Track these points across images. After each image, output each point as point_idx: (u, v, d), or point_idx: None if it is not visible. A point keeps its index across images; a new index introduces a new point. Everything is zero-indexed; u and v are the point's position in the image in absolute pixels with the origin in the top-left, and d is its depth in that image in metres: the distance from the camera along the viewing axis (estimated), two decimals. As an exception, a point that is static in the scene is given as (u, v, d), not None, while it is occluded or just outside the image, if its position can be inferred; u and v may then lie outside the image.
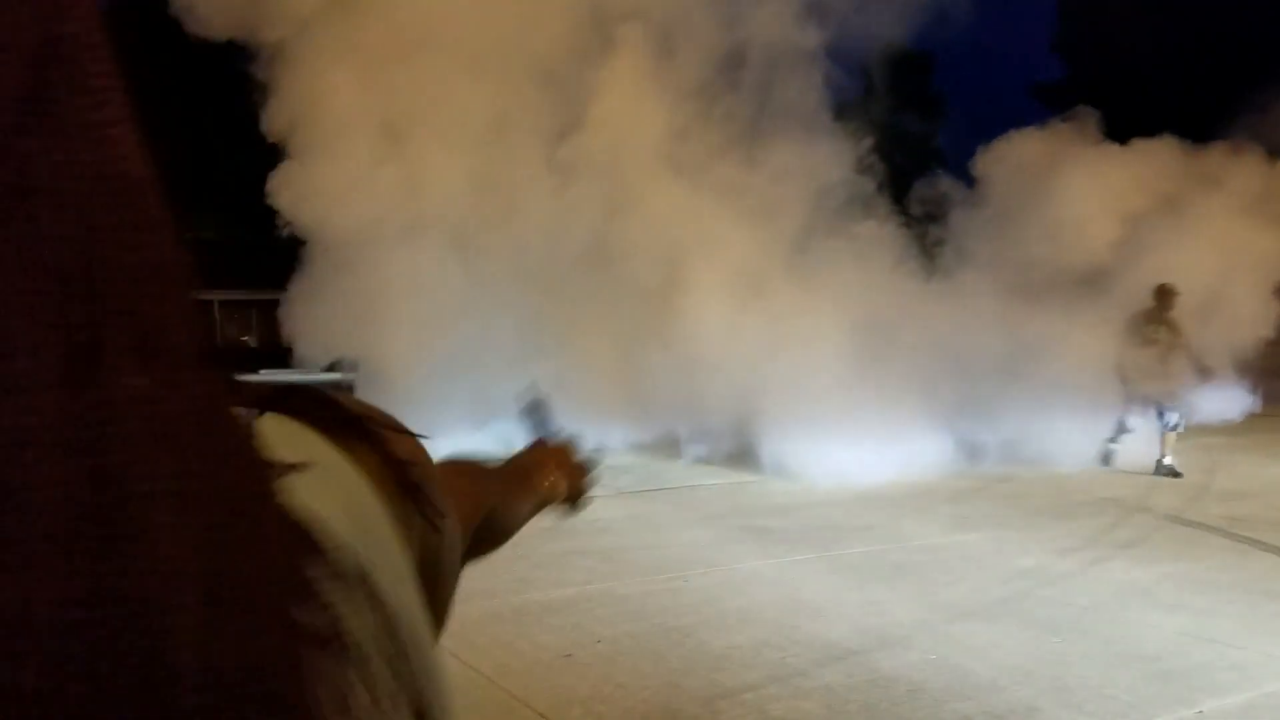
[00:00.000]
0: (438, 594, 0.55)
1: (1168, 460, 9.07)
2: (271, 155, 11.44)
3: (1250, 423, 11.97)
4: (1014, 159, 13.11)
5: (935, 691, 4.07)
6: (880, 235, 10.81)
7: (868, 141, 11.32)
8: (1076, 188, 12.14)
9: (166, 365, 0.28)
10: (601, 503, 8.58)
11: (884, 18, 11.91)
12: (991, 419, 10.25)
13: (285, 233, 11.59)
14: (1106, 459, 9.46)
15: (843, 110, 11.34)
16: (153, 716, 0.26)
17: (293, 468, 0.35)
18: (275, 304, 13.31)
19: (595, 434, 11.29)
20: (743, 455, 9.94)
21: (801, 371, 9.48)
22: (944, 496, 8.61)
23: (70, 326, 0.26)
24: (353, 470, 0.44)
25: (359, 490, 0.43)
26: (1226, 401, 11.53)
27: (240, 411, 0.33)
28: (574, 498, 1.12)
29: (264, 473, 0.33)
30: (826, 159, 10.87)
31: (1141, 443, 9.50)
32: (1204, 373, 9.58)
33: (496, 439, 11.85)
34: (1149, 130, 13.07)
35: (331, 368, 12.87)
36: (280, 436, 0.39)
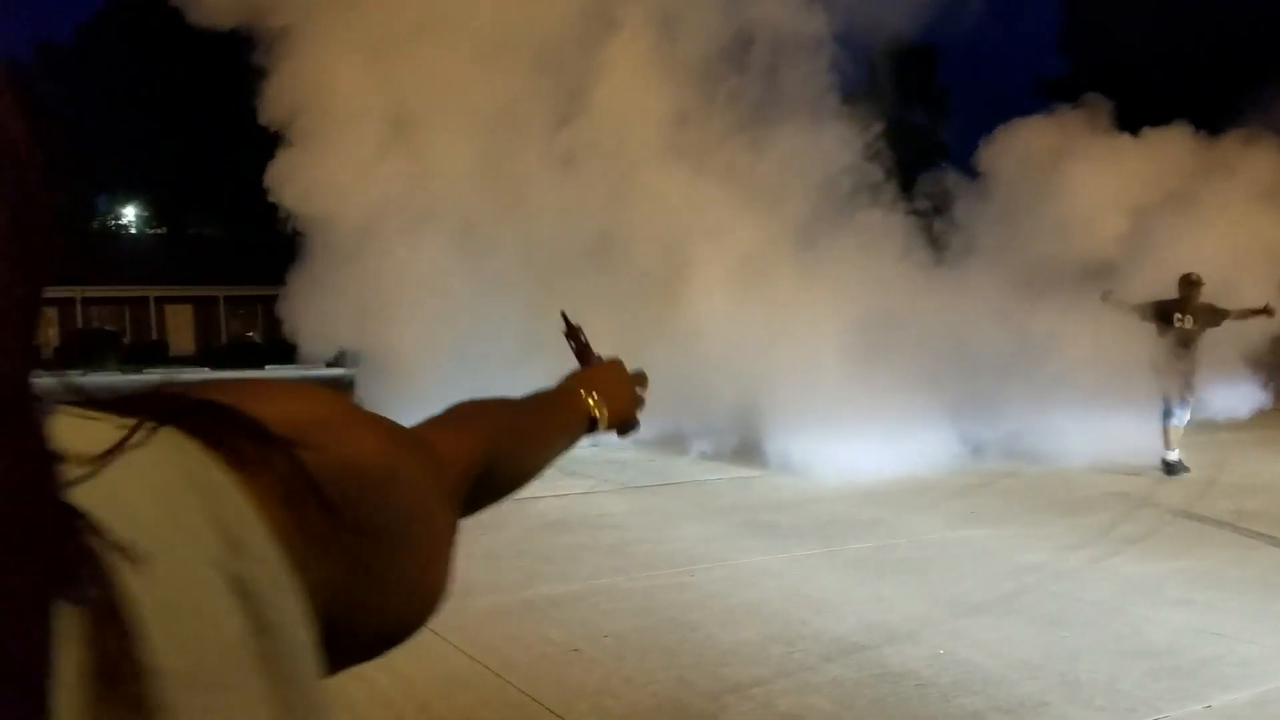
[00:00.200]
0: (378, 590, 0.54)
1: (1174, 456, 8.96)
2: (276, 151, 11.42)
3: (1259, 418, 11.91)
4: (1021, 147, 12.93)
5: (943, 686, 4.07)
6: (885, 228, 10.72)
7: (874, 129, 11.19)
8: (1085, 177, 11.98)
9: None
10: (607, 497, 8.63)
11: (889, 11, 11.87)
12: (997, 414, 10.24)
13: (289, 228, 11.54)
14: (1172, 468, 8.98)
15: (848, 101, 11.24)
16: None
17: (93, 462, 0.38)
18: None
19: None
20: (748, 450, 9.94)
21: (807, 366, 9.46)
22: (950, 492, 8.60)
23: None
24: (232, 488, 0.43)
25: (234, 507, 0.42)
26: (1238, 397, 11.44)
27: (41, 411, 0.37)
28: (623, 420, 1.09)
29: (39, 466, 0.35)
30: (832, 147, 10.78)
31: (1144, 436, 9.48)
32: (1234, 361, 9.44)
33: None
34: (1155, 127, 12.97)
35: (335, 362, 12.80)
36: (163, 450, 0.41)
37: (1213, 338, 9.22)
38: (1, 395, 0.35)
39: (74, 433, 0.40)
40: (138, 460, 0.40)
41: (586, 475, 9.76)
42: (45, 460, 0.36)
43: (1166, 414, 9.02)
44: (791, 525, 7.31)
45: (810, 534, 7.01)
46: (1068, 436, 9.53)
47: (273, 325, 14.51)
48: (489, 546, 6.80)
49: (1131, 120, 13.10)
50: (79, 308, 40.32)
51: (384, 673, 4.32)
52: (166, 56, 37.39)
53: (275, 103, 11.09)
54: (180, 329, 41.71)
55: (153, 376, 32.09)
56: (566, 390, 1.04)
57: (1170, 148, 12.65)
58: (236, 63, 11.93)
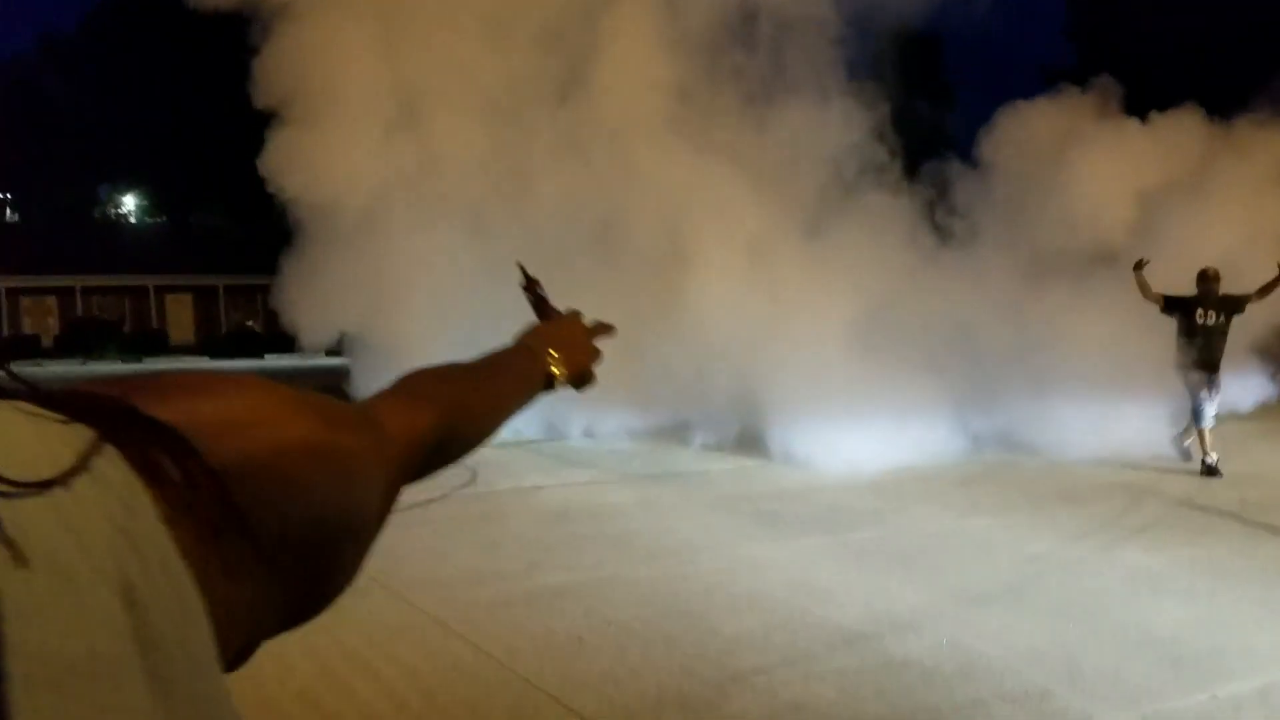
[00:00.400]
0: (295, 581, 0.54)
1: (1214, 459, 8.64)
2: (271, 132, 11.23)
3: (1264, 410, 11.84)
4: (1027, 130, 12.67)
5: (948, 675, 4.07)
6: (889, 215, 10.59)
7: (881, 111, 11.01)
8: (1093, 161, 11.79)
9: None
10: (610, 488, 8.62)
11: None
12: (1000, 404, 10.21)
13: (284, 213, 11.38)
14: (1211, 471, 8.63)
15: (855, 83, 11.06)
16: None
17: None
18: (282, 290, 13.19)
19: (604, 420, 11.30)
20: (751, 441, 9.93)
21: (810, 356, 9.43)
22: (952, 482, 8.60)
23: None
24: (144, 500, 0.43)
25: (143, 518, 0.43)
26: (1244, 389, 11.34)
27: None
28: (580, 374, 1.07)
29: None
30: (837, 129, 10.61)
31: (1140, 428, 9.46)
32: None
33: (525, 425, 11.87)
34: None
35: (334, 351, 12.69)
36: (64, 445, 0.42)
37: (1235, 327, 9.06)
38: None
39: (13, 430, 0.41)
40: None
41: (589, 465, 9.76)
42: None
43: (1198, 416, 8.81)
44: (794, 515, 7.30)
45: (813, 524, 7.00)
46: (1070, 427, 9.50)
47: (273, 315, 14.43)
48: (492, 537, 6.80)
49: (1139, 110, 12.95)
50: (79, 297, 40.29)
51: (389, 663, 4.33)
52: (168, 46, 37.28)
53: (270, 83, 10.90)
54: (180, 318, 41.69)
55: (154, 366, 32.08)
56: (524, 348, 1.03)
57: (1179, 132, 12.44)
58: (238, 52, 11.84)
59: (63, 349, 36.75)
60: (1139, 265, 9.11)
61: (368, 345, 11.39)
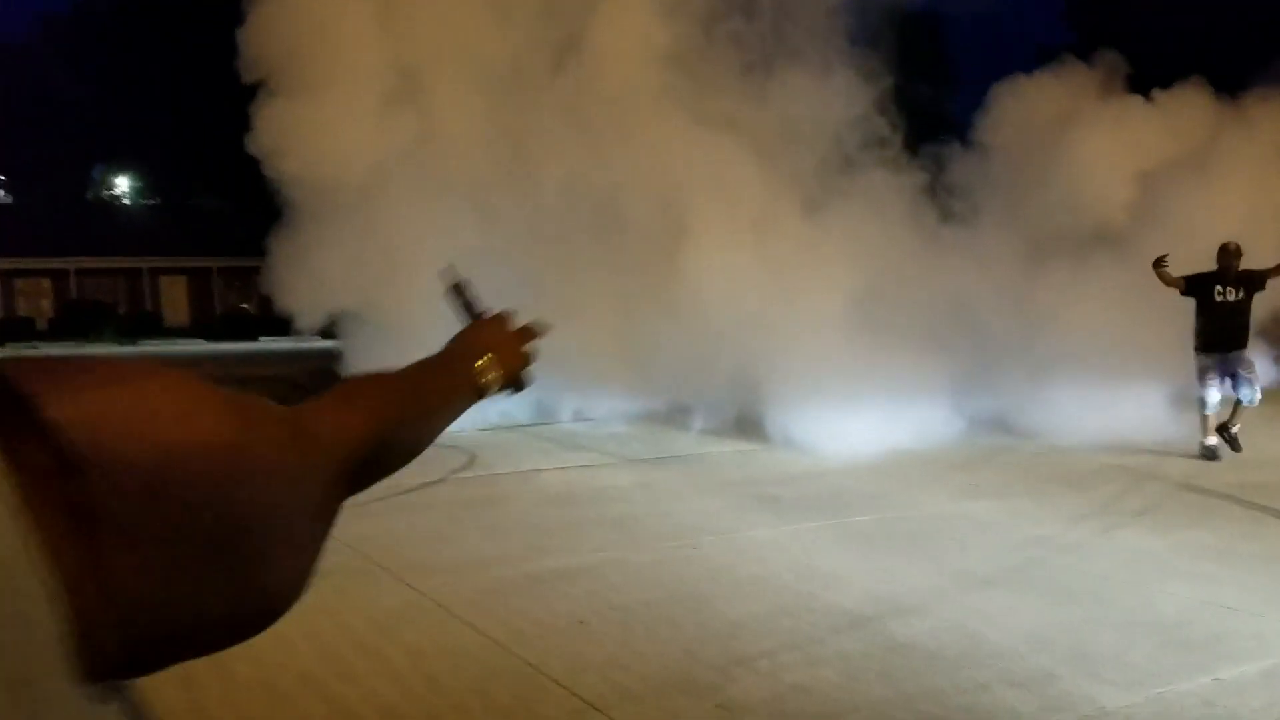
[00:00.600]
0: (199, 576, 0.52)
1: (1213, 441, 8.57)
2: (259, 103, 10.92)
3: (1265, 393, 11.76)
4: (1028, 105, 12.41)
5: (952, 659, 4.06)
6: (888, 195, 10.43)
7: (883, 84, 10.74)
8: (1094, 137, 11.62)
9: None
10: (610, 471, 8.61)
11: None
12: (999, 388, 10.20)
13: (281, 196, 11.12)
14: (1210, 453, 8.58)
15: (855, 56, 10.83)
16: None
17: None
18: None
19: (604, 403, 11.27)
20: (751, 424, 9.90)
21: (809, 339, 9.40)
22: (952, 465, 8.59)
23: None
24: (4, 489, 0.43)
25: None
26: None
27: None
28: (514, 378, 1.04)
29: None
30: (838, 102, 10.41)
31: (1140, 411, 9.44)
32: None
33: (516, 408, 11.79)
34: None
35: (328, 332, 12.51)
36: None
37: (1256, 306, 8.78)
38: None
39: None
40: None
41: (589, 449, 9.75)
42: None
43: (1202, 400, 8.63)
44: (795, 498, 7.29)
45: (814, 507, 6.99)
46: (1070, 410, 9.48)
47: (267, 297, 14.24)
48: (493, 520, 6.79)
49: (1140, 87, 12.78)
50: (73, 279, 40.13)
51: (392, 645, 4.31)
52: (164, 27, 37.00)
53: (257, 52, 10.52)
54: (174, 300, 41.57)
55: (148, 348, 32.00)
56: (455, 354, 1.00)
57: (1183, 108, 12.22)
58: (233, 30, 11.68)
59: (57, 331, 36.66)
60: (1159, 263, 8.76)
61: (362, 325, 11.21)
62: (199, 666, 4.04)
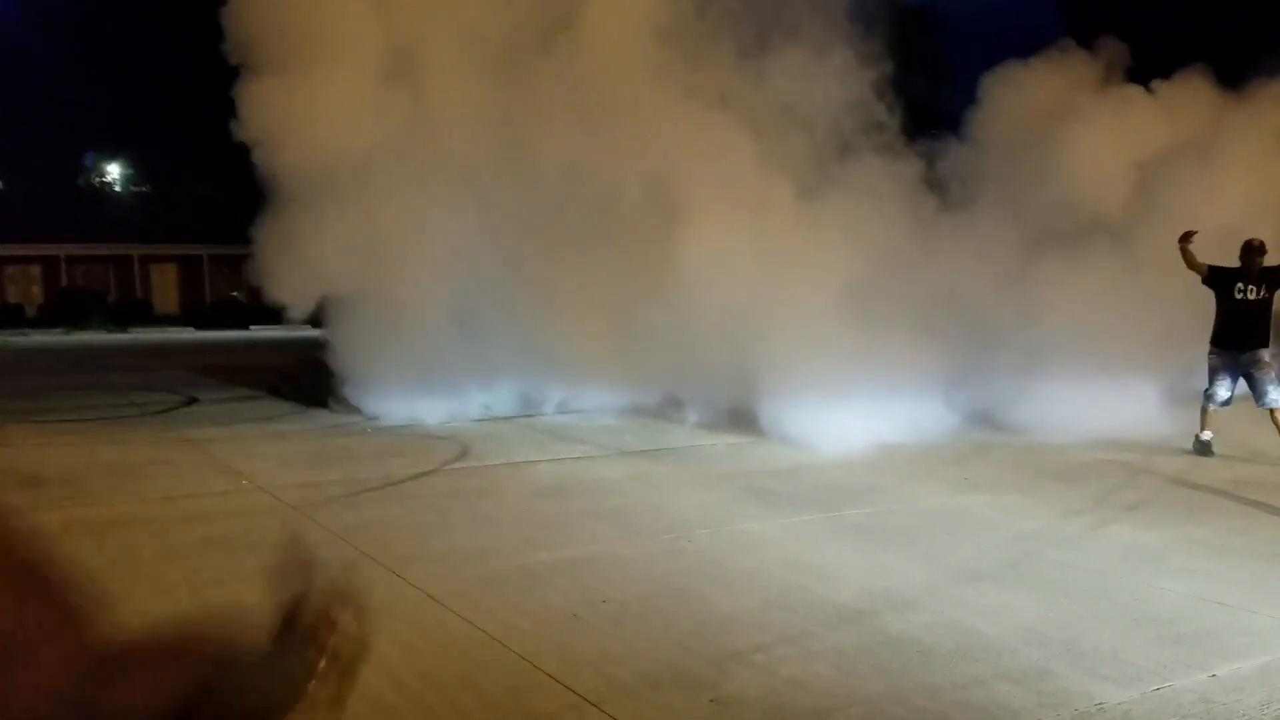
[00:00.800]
0: None
1: (1208, 435, 8.46)
2: (243, 82, 10.62)
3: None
4: (1023, 93, 12.16)
5: (946, 654, 4.04)
6: (884, 184, 10.25)
7: (880, 67, 10.51)
8: (1091, 126, 11.46)
9: None
10: (604, 463, 8.57)
11: None
12: (993, 382, 10.16)
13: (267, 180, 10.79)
14: (1204, 448, 8.50)
15: (853, 37, 10.59)
16: None
17: None
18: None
19: (593, 396, 11.21)
20: (745, 417, 9.87)
21: (804, 333, 9.34)
22: (944, 459, 8.58)
23: None
24: None
25: None
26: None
27: None
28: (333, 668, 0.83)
29: None
30: (834, 84, 10.22)
31: (1133, 406, 9.42)
32: None
33: (499, 400, 11.73)
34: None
35: (316, 321, 12.27)
36: None
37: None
38: None
39: None
40: None
41: (582, 440, 9.70)
42: None
43: (1209, 395, 8.48)
44: (789, 492, 7.27)
45: (808, 501, 6.97)
46: (1063, 405, 9.46)
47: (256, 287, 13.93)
48: (485, 512, 6.75)
49: (1133, 77, 12.62)
50: (63, 266, 39.92)
51: (383, 638, 4.25)
52: (155, 12, 36.73)
53: (243, 28, 10.20)
54: (164, 288, 41.40)
55: (140, 336, 31.84)
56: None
57: (1182, 97, 12.03)
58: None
59: (47, 319, 36.47)
60: (1186, 237, 8.49)
61: (350, 312, 10.99)
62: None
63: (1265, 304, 8.40)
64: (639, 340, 10.18)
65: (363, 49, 10.27)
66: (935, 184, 11.44)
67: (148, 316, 37.95)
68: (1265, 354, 8.38)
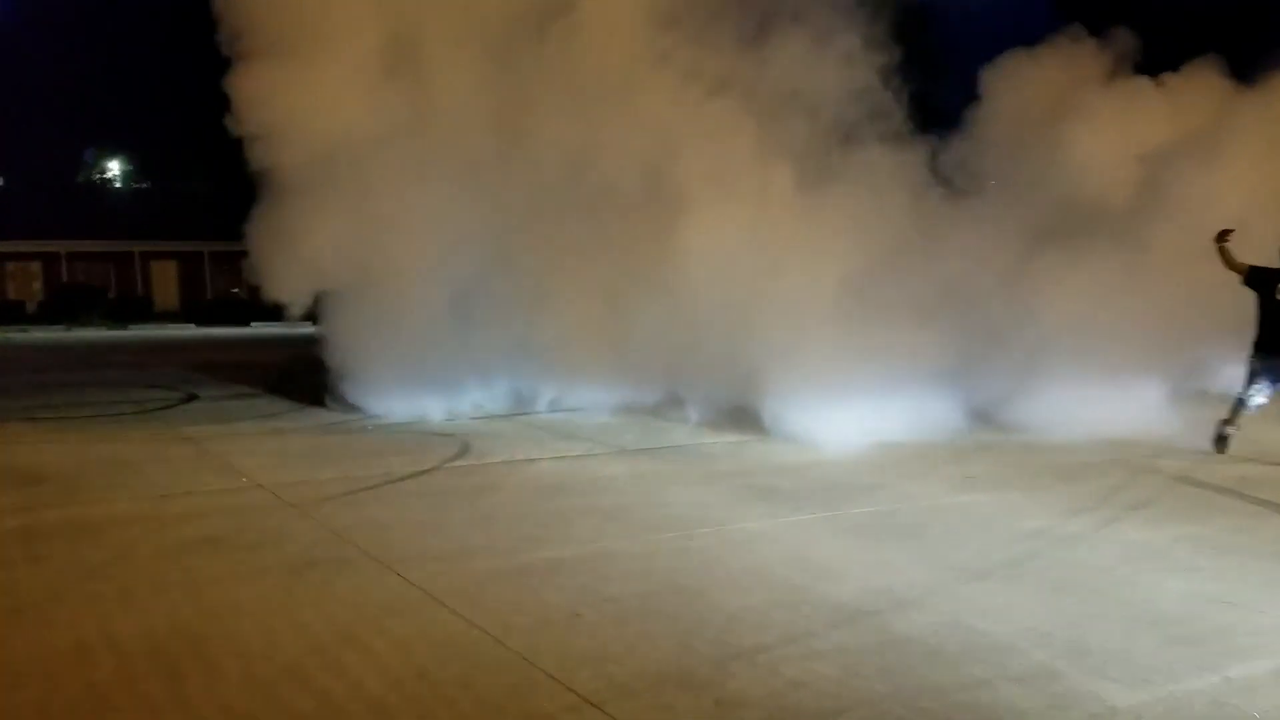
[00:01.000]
0: None
1: (1231, 430, 8.28)
2: (236, 68, 10.42)
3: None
4: (1026, 83, 11.91)
5: (952, 654, 3.98)
6: (887, 176, 10.09)
7: (885, 55, 10.32)
8: (1096, 117, 11.28)
9: None
10: (604, 460, 8.51)
11: None
12: (995, 378, 10.09)
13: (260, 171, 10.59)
14: (1222, 442, 8.36)
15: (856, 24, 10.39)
16: None
17: None
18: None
19: (597, 393, 11.14)
20: (745, 415, 9.81)
21: (806, 329, 9.28)
22: (946, 457, 8.52)
23: None
24: None
25: None
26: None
27: None
28: None
29: None
30: (837, 71, 10.09)
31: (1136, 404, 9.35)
32: None
33: (498, 398, 11.67)
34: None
35: (313, 318, 12.14)
36: None
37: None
38: None
39: None
40: None
41: (582, 438, 9.65)
42: None
43: (1244, 401, 8.31)
44: (790, 490, 7.21)
45: (809, 499, 6.92)
46: (1066, 402, 9.40)
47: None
48: (485, 509, 6.69)
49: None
50: (64, 263, 39.88)
51: (380, 638, 4.22)
52: (154, 7, 36.65)
53: (236, 16, 10.00)
54: (165, 285, 41.37)
55: (139, 333, 31.80)
56: None
57: (1189, 89, 11.86)
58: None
59: (47, 315, 36.45)
60: (1223, 235, 8.25)
61: (349, 309, 10.87)
62: (182, 659, 3.92)
63: None
64: (639, 336, 10.10)
65: (358, 35, 10.10)
66: (940, 176, 11.24)
67: (148, 313, 37.93)
68: None
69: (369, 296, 10.51)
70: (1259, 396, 8.42)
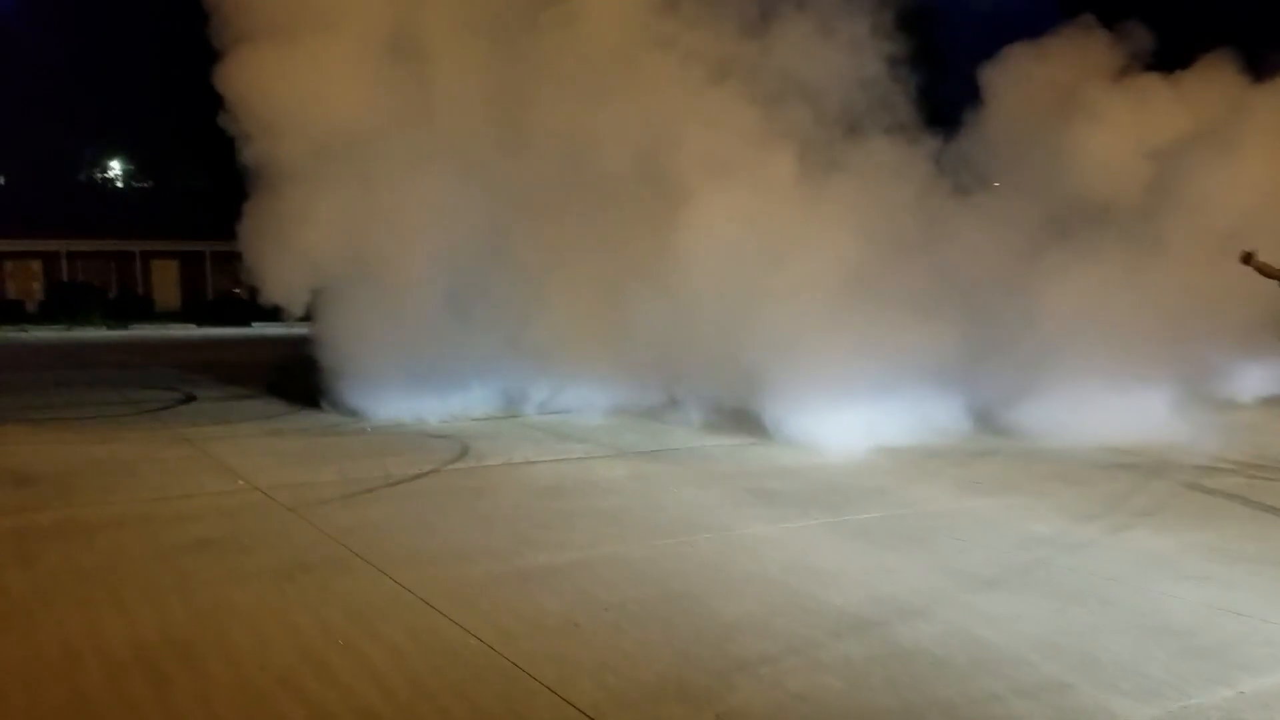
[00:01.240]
0: None
1: None
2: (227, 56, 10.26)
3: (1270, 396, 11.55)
4: (1031, 78, 11.68)
5: (960, 666, 3.89)
6: (891, 171, 9.92)
7: (892, 46, 10.07)
8: (1104, 111, 11.10)
9: None
10: (604, 463, 8.41)
11: None
12: (999, 380, 9.98)
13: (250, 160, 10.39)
14: None
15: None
16: None
17: None
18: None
19: (598, 394, 11.04)
20: (746, 417, 9.71)
21: (806, 330, 9.17)
22: (950, 461, 8.42)
23: None
24: None
25: None
26: (1256, 375, 10.83)
27: None
28: None
29: None
30: (842, 61, 9.95)
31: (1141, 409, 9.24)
32: None
33: (498, 399, 11.57)
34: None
35: (310, 317, 11.98)
36: None
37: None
38: None
39: None
40: None
41: (582, 439, 9.56)
42: None
43: None
44: (793, 493, 7.12)
45: (812, 503, 6.82)
46: (1071, 407, 9.29)
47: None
48: (483, 512, 6.61)
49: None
50: (64, 261, 39.82)
51: (373, 644, 4.13)
52: (157, 6, 36.59)
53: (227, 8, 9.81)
54: (165, 284, 41.31)
55: (139, 331, 31.72)
56: None
57: (1202, 84, 11.64)
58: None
59: (47, 314, 36.38)
60: (1247, 259, 7.99)
61: (346, 308, 10.73)
62: (171, 666, 3.81)
63: None
64: (639, 334, 10.00)
65: (352, 22, 9.95)
66: (947, 171, 11.03)
67: (148, 313, 37.86)
68: None
69: (365, 293, 10.39)
70: None
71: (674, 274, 9.49)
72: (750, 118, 9.77)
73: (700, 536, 5.91)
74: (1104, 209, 10.65)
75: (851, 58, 9.87)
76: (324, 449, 9.22)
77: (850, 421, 8.82)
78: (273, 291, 10.50)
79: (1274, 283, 8.10)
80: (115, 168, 46.60)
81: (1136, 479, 7.59)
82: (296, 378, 12.86)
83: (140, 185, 45.95)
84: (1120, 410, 9.11)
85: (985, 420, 9.83)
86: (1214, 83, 11.63)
